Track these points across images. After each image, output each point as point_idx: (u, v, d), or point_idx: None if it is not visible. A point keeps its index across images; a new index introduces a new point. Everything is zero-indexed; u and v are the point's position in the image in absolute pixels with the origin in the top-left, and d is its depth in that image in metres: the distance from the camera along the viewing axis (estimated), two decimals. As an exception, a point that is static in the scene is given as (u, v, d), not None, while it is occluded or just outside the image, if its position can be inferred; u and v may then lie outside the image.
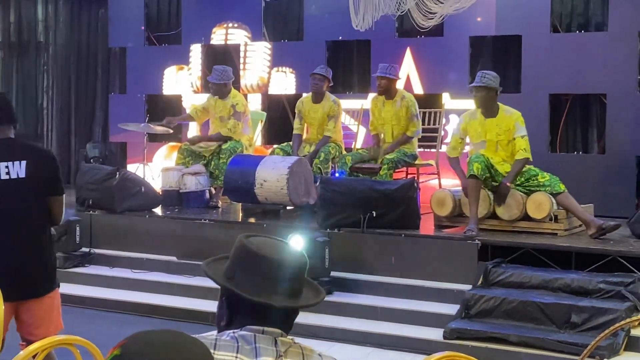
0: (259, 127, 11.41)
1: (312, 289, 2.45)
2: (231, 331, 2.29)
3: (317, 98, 9.90)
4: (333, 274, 7.91)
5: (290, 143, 10.05)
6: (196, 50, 12.58)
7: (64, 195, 4.93)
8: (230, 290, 2.32)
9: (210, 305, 8.03)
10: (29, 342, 4.45)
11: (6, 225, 4.72)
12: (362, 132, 10.64)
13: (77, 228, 9.26)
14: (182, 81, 12.67)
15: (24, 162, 4.69)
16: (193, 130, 11.95)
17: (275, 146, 10.30)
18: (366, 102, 10.38)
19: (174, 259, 9.01)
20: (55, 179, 4.85)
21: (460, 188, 8.27)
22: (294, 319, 2.39)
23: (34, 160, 4.74)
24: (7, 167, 4.66)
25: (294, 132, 10.07)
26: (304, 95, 10.31)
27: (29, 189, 4.73)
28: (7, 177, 4.67)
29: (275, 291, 2.29)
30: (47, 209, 4.84)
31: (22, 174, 4.69)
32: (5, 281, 4.41)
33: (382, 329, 7.36)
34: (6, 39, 13.66)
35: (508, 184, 7.97)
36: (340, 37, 11.53)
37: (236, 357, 2.20)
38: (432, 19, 9.73)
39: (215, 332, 2.34)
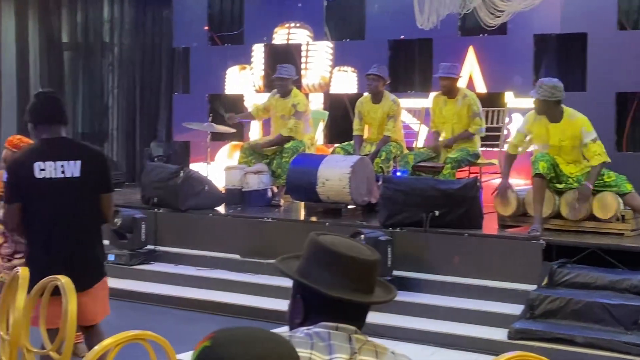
0: (321, 126, 11.44)
1: (383, 286, 2.47)
2: (305, 328, 2.31)
3: (377, 98, 9.87)
4: (395, 273, 7.90)
5: (352, 142, 10.05)
6: (258, 50, 12.65)
7: (113, 193, 5.14)
8: (305, 287, 2.34)
9: (273, 303, 8.10)
10: (80, 328, 4.86)
11: (61, 222, 4.90)
12: (423, 131, 10.61)
13: (143, 226, 9.39)
14: (244, 81, 12.76)
15: (78, 162, 4.87)
16: (255, 130, 12.02)
17: (336, 145, 10.32)
18: (427, 101, 10.35)
19: (237, 256, 9.08)
20: (106, 177, 5.07)
21: (524, 187, 8.19)
22: (366, 316, 2.41)
23: (88, 160, 4.92)
24: (62, 166, 4.84)
25: (354, 132, 10.06)
26: (364, 95, 10.30)
27: (83, 188, 4.91)
28: (62, 175, 4.84)
29: (349, 287, 2.31)
30: (98, 207, 5.02)
31: (77, 174, 4.87)
32: (59, 274, 4.43)
33: (445, 328, 7.34)
34: (73, 40, 13.88)
35: (590, 186, 7.81)
36: (402, 36, 11.51)
37: (311, 353, 2.22)
38: (500, 17, 9.65)
39: (287, 330, 2.37)
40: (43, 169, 4.81)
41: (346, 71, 12.01)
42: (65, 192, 4.88)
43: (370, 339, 2.35)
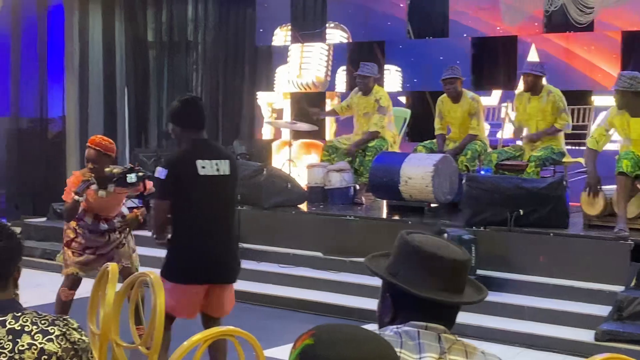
0: (404, 124, 11.39)
1: (473, 286, 2.45)
2: (394, 326, 2.30)
3: (456, 98, 9.79)
4: (479, 272, 7.83)
5: (434, 141, 9.99)
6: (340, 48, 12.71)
7: None
8: (394, 286, 2.34)
9: (355, 301, 8.11)
10: (209, 318, 5.25)
11: (219, 217, 5.28)
12: (507, 130, 10.49)
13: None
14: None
15: (227, 161, 5.24)
16: (330, 128, 12.04)
17: (418, 144, 10.26)
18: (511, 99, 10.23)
19: (319, 254, 9.10)
20: (239, 176, 5.48)
21: (612, 187, 8.03)
22: (456, 315, 2.39)
23: (232, 160, 5.33)
24: (217, 164, 5.19)
25: (436, 132, 10.00)
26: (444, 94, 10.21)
27: (232, 185, 5.31)
28: (217, 172, 5.18)
29: (439, 287, 2.30)
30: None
31: (227, 172, 5.23)
32: (213, 266, 5.20)
33: (531, 328, 7.25)
34: (158, 39, 14.08)
35: None
36: (485, 34, 11.40)
37: (400, 352, 2.21)
38: (590, 13, 9.50)
39: (376, 328, 2.36)
40: (204, 167, 5.14)
41: (399, 70, 11.98)
42: (220, 189, 5.26)
43: (459, 338, 2.33)
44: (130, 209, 11.27)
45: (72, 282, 6.55)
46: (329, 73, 12.69)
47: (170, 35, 14.02)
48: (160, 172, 5.11)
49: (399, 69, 12.19)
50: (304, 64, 12.85)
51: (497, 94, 11.44)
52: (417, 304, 2.29)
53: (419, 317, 2.28)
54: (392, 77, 12.20)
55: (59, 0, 13.18)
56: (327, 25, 12.51)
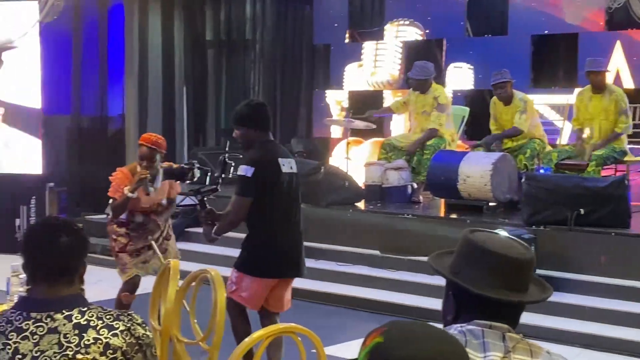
0: (462, 123, 11.32)
1: (538, 285, 2.43)
2: (458, 325, 2.29)
3: (507, 100, 9.69)
4: (539, 272, 7.75)
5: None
6: (369, 47, 12.68)
7: None
8: (457, 285, 2.33)
9: (413, 300, 8.09)
10: (269, 313, 5.52)
11: (294, 213, 5.58)
12: (567, 128, 10.37)
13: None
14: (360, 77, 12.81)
15: (293, 160, 5.54)
16: (396, 125, 12.00)
17: (477, 142, 10.19)
18: (572, 97, 10.11)
19: (377, 252, 9.08)
20: None
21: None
22: (520, 314, 2.37)
23: (294, 159, 5.68)
24: (289, 162, 5.50)
25: (492, 133, 9.95)
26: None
27: (298, 183, 5.63)
28: (290, 170, 5.45)
29: (502, 286, 2.28)
30: None
31: (295, 170, 5.51)
32: (288, 261, 5.55)
33: (591, 329, 7.16)
34: (217, 37, 14.17)
35: None
36: (546, 31, 11.28)
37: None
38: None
39: (440, 327, 2.35)
40: (284, 165, 5.44)
41: (461, 67, 11.88)
42: (293, 186, 5.56)
43: (523, 338, 2.32)
44: (189, 205, 11.41)
45: (133, 286, 6.61)
46: (404, 70, 12.65)
47: (229, 34, 14.10)
48: (247, 170, 5.32)
49: (459, 67, 12.11)
50: (379, 61, 12.81)
51: (557, 92, 11.31)
52: (480, 302, 2.27)
53: (482, 316, 2.27)
54: (451, 75, 12.13)
55: (119, 0, 13.33)
56: (402, 21, 12.44)
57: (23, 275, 4.05)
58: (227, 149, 6.24)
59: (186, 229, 10.85)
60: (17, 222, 11.16)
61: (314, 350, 3.65)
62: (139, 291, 6.75)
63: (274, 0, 13.89)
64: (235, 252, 9.57)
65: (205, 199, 5.80)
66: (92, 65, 12.91)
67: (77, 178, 12.09)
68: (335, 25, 13.17)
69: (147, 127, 13.48)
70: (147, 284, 6.89)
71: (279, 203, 5.44)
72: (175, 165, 6.62)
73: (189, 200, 11.75)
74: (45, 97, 11.33)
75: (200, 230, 10.67)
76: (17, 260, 4.36)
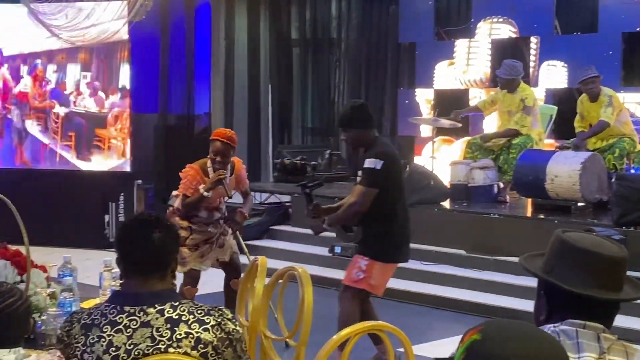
0: (550, 121, 11.15)
1: (632, 284, 2.39)
2: (551, 325, 2.26)
3: (595, 97, 9.52)
4: (629, 273, 7.58)
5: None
6: (462, 45, 12.57)
7: None
8: (549, 284, 2.30)
9: (498, 300, 8.01)
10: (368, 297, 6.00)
11: (405, 202, 6.10)
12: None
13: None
14: (451, 75, 12.68)
15: None
16: (488, 124, 11.88)
17: (564, 143, 10.02)
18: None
19: (462, 252, 9.02)
20: None
21: None
22: (615, 314, 2.33)
23: None
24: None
25: (576, 130, 9.79)
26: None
27: None
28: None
29: (596, 284, 2.25)
30: None
31: None
32: (408, 247, 6.15)
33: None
34: (302, 36, 14.24)
35: None
36: (637, 29, 11.05)
37: (559, 351, 2.17)
38: None
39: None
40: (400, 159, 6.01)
41: (555, 65, 11.68)
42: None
43: (619, 339, 2.27)
44: (274, 204, 11.49)
45: (194, 279, 6.63)
46: (493, 69, 12.52)
47: (314, 33, 14.15)
48: (376, 163, 5.69)
49: (553, 65, 11.92)
50: (471, 59, 12.70)
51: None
52: (572, 301, 2.25)
53: (576, 316, 2.24)
54: (540, 74, 11.96)
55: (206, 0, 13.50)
56: (495, 19, 12.31)
57: (115, 270, 4.14)
58: (308, 183, 6.23)
59: (271, 227, 10.93)
60: (106, 218, 11.39)
61: (401, 349, 3.65)
62: (217, 288, 6.82)
63: (359, -1, 13.89)
64: (316, 250, 9.79)
65: (311, 193, 6.04)
66: (179, 64, 13.10)
67: (164, 175, 12.28)
68: (421, 23, 13.09)
69: (233, 125, 13.62)
70: (213, 282, 7.01)
71: (402, 193, 5.95)
72: (240, 163, 6.73)
73: (273, 198, 11.86)
74: (133, 95, 11.54)
75: (283, 227, 10.85)
76: (107, 256, 4.47)
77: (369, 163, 5.70)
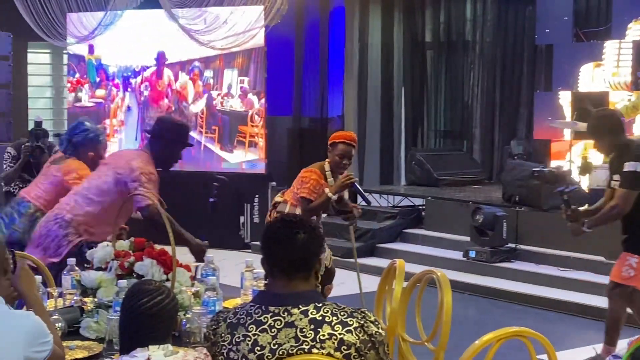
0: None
1: None
2: None
3: None
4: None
5: None
6: (611, 47, 12.19)
7: None
8: None
9: None
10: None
11: None
12: None
13: (504, 224, 9.40)
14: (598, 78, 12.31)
15: None
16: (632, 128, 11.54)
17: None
18: None
19: (602, 259, 8.79)
20: None
21: None
22: None
23: None
24: None
25: None
26: None
27: None
28: None
29: None
30: None
31: None
32: None
33: None
34: (436, 38, 14.14)
35: None
36: None
37: None
38: None
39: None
40: None
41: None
42: None
43: None
44: (407, 207, 11.44)
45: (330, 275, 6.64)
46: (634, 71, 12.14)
47: (448, 35, 14.03)
48: (637, 166, 5.85)
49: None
50: (621, 61, 12.35)
51: None
52: None
53: None
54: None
55: (340, 3, 13.56)
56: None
57: (257, 270, 4.19)
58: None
59: (404, 230, 10.90)
60: (242, 219, 11.58)
61: (542, 357, 3.57)
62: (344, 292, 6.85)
63: (495, 1, 13.69)
64: (450, 254, 9.72)
65: (569, 198, 6.30)
66: (313, 67, 13.21)
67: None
68: (559, 24, 12.79)
69: (366, 128, 13.66)
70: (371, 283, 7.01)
71: None
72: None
73: (407, 202, 11.82)
74: (268, 98, 11.69)
75: (417, 231, 10.81)
76: (243, 257, 4.53)
77: (629, 166, 5.86)
